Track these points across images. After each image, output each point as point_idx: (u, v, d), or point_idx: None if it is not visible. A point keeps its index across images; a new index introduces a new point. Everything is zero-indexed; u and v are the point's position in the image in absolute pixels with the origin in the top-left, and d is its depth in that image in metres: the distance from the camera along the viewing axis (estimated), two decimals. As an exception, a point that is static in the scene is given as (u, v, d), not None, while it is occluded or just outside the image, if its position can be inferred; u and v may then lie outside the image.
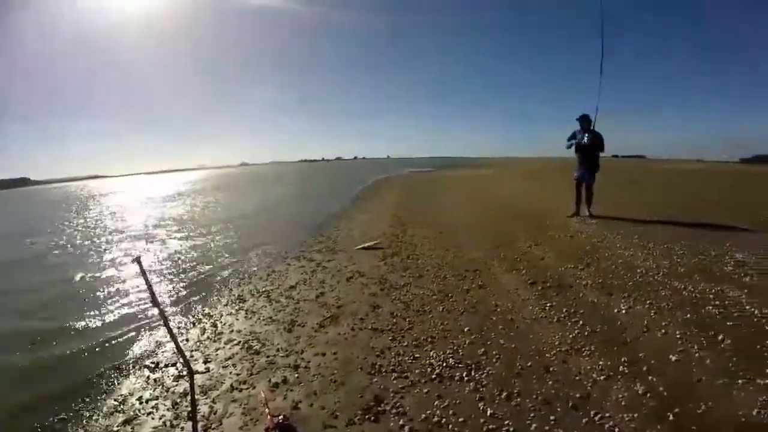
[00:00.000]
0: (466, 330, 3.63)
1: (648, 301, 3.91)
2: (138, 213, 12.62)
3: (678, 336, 3.30)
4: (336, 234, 8.52)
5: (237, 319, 4.27)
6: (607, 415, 2.45)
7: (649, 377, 2.82)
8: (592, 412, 2.47)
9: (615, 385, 2.77)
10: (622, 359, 3.04)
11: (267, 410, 2.56)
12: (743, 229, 6.43)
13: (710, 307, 3.74)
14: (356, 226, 9.11)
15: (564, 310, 3.86)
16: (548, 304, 4.01)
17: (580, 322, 3.62)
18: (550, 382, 2.83)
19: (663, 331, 3.40)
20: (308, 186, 19.52)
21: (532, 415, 2.48)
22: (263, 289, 5.06)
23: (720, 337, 3.24)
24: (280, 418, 2.46)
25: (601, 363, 3.02)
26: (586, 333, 3.45)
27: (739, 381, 2.71)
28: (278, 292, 4.91)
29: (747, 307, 3.70)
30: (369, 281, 5.00)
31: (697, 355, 3.05)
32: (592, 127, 7.51)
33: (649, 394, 2.63)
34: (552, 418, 2.45)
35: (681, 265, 4.81)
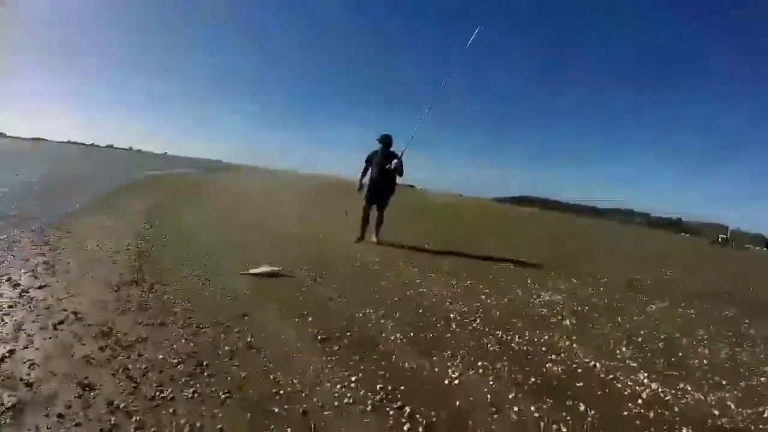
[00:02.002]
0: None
1: (479, 362, 2.77)
2: None
3: (536, 415, 2.24)
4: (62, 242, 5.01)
5: None
6: None
7: None
8: None
9: None
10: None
11: None
12: (533, 265, 6.33)
13: (550, 364, 2.88)
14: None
15: (379, 388, 2.35)
16: (353, 378, 2.43)
17: (407, 410, 2.16)
18: None
19: (515, 408, 2.27)
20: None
21: None
22: None
23: (582, 408, 2.36)
24: None
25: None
26: (420, 431, 2.04)
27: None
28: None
29: (586, 360, 3.01)
30: (86, 331, 2.70)
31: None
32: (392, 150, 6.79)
33: None
34: None
35: (494, 308, 4.03)
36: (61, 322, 2.79)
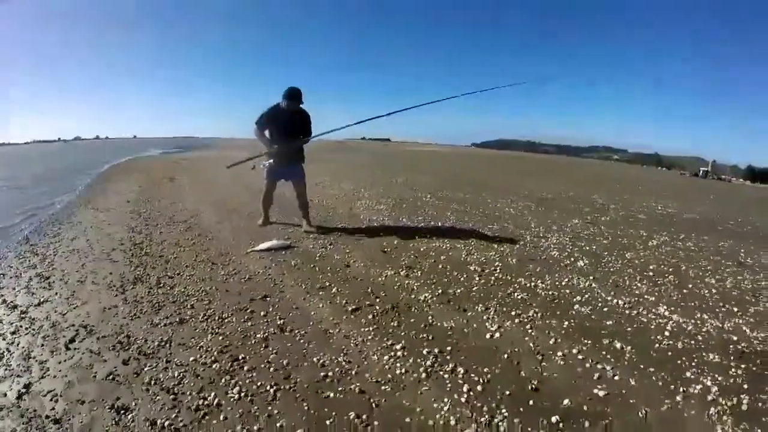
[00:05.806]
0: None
1: (512, 312, 2.88)
2: None
3: (580, 357, 2.36)
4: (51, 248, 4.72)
5: None
6: None
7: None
8: None
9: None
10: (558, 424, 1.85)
11: None
12: (529, 206, 6.45)
13: (577, 305, 3.02)
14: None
15: (426, 352, 2.39)
16: (397, 346, 2.46)
17: (460, 371, 2.21)
18: None
19: (560, 353, 2.38)
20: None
21: None
22: None
23: (618, 346, 2.49)
24: None
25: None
26: (479, 388, 2.06)
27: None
28: None
29: (608, 298, 3.17)
30: (103, 345, 2.54)
31: (618, 378, 2.16)
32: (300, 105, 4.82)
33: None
34: None
35: (509, 255, 4.12)
36: (72, 340, 2.65)
